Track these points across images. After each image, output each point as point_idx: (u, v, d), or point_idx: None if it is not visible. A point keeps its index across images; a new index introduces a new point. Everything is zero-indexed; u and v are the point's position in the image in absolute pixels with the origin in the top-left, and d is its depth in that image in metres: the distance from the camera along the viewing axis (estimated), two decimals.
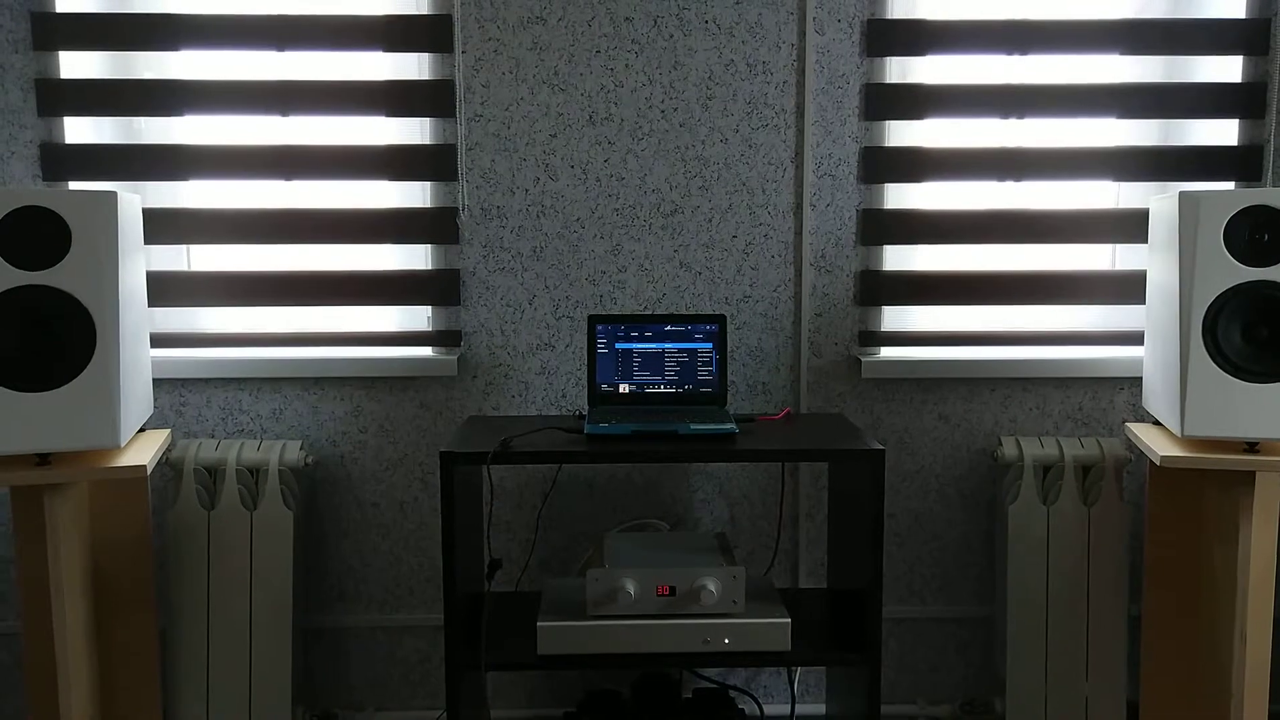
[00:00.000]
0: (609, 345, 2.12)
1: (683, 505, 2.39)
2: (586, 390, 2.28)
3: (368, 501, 2.37)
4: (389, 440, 2.36)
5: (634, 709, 2.18)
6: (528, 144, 2.29)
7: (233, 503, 2.20)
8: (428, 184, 2.33)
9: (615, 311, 2.34)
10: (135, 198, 1.99)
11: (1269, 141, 2.31)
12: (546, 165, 2.29)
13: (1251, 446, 1.90)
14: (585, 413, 2.11)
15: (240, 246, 2.36)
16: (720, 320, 2.12)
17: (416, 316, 2.39)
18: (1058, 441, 2.28)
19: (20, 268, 1.75)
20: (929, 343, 2.37)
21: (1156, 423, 2.15)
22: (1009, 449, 2.27)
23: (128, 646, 2.06)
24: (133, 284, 1.92)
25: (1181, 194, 1.86)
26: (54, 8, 2.23)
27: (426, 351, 2.37)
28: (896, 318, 2.41)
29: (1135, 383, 2.38)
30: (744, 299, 2.34)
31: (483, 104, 2.28)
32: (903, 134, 2.34)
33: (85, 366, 1.78)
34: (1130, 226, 2.34)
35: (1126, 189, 2.42)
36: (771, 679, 2.45)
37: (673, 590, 1.88)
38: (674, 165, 2.30)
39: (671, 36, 2.27)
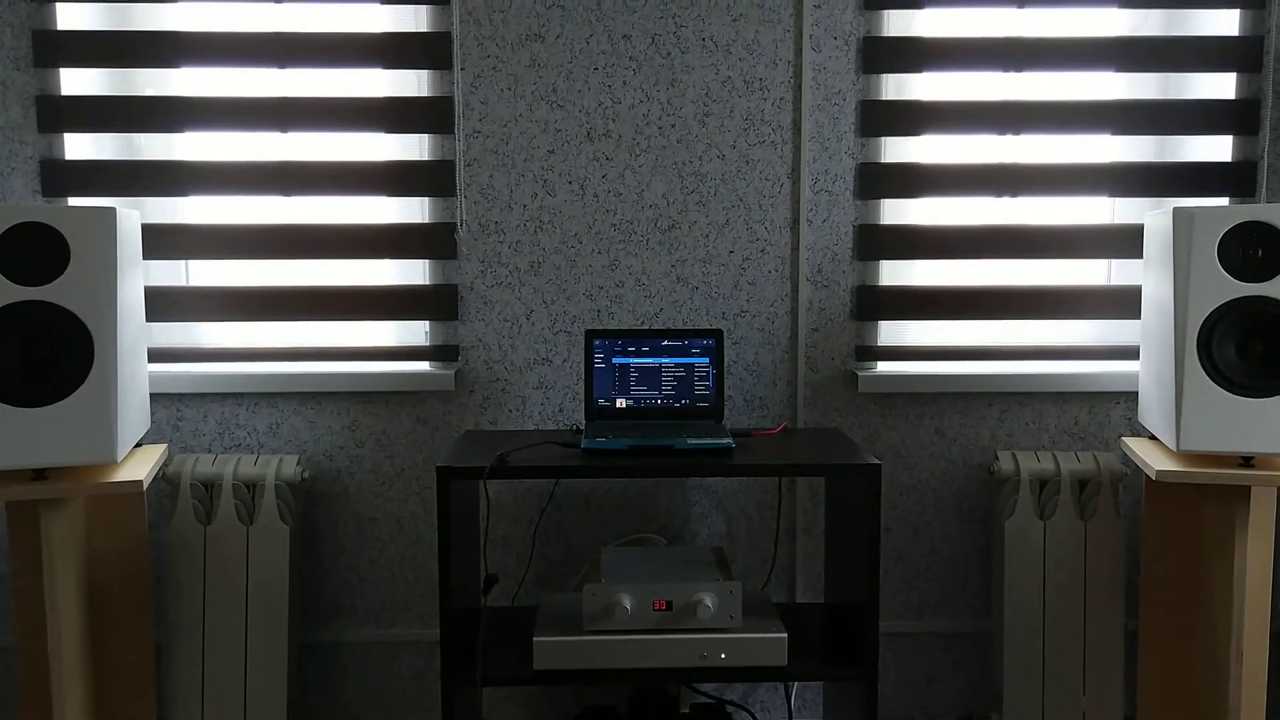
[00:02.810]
0: (606, 360, 2.12)
1: (679, 520, 2.39)
2: (584, 405, 2.28)
3: (364, 516, 2.37)
4: (386, 455, 2.36)
5: None
6: (526, 160, 2.30)
7: (229, 517, 2.20)
8: (426, 199, 2.34)
9: (613, 326, 2.34)
10: (134, 213, 1.99)
11: (1263, 158, 2.33)
12: (544, 181, 2.31)
13: (1246, 461, 1.90)
14: (582, 427, 2.12)
15: (239, 262, 2.37)
16: (717, 335, 2.13)
17: (414, 331, 2.40)
18: (1054, 456, 2.28)
19: (19, 283, 1.75)
20: (925, 357, 2.38)
21: (1152, 437, 2.15)
22: (1005, 463, 2.27)
23: (123, 661, 2.06)
24: (131, 299, 1.93)
25: (1176, 210, 1.87)
26: (55, 25, 2.24)
27: (424, 366, 2.37)
28: (893, 333, 2.42)
29: (1131, 397, 2.38)
30: (741, 314, 2.35)
31: (481, 120, 2.29)
32: (899, 150, 2.36)
33: (82, 382, 1.78)
34: (1125, 242, 2.35)
35: (1121, 205, 2.43)
36: (768, 694, 2.44)
37: (669, 605, 1.88)
38: (671, 181, 2.31)
39: (669, 54, 2.28)
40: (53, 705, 1.86)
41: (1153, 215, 2.03)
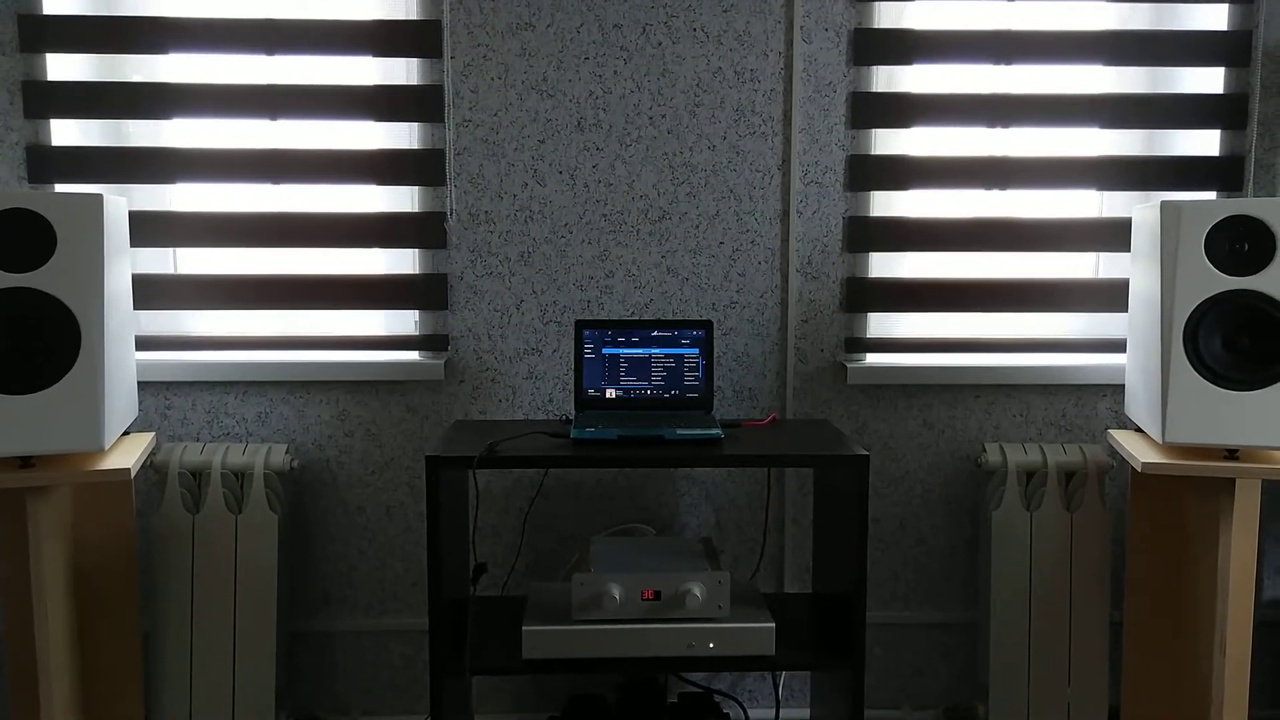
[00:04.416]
0: (596, 350, 2.12)
1: (669, 510, 2.40)
2: (573, 395, 2.28)
3: (353, 505, 2.37)
4: (375, 444, 2.36)
5: (619, 714, 2.18)
6: (516, 149, 2.29)
7: (218, 506, 2.20)
8: (416, 188, 2.33)
9: (603, 317, 2.34)
10: (121, 200, 1.98)
11: (1250, 152, 2.34)
12: (535, 171, 2.30)
13: (1231, 454, 1.92)
14: (572, 417, 2.12)
15: (227, 250, 2.36)
16: (707, 326, 2.13)
17: (404, 320, 2.39)
18: (1041, 448, 2.30)
19: (5, 270, 1.74)
20: (914, 349, 2.39)
21: (1138, 430, 2.16)
22: (993, 455, 2.29)
23: (110, 650, 2.05)
24: (118, 287, 1.92)
25: (1163, 204, 1.88)
26: (41, 10, 2.22)
27: (413, 355, 2.37)
28: (882, 324, 2.42)
29: (1118, 390, 2.40)
30: (731, 305, 2.35)
31: (471, 109, 2.28)
32: (889, 142, 2.36)
33: (69, 369, 1.77)
34: (1113, 235, 2.36)
35: (1109, 198, 2.44)
36: (756, 683, 2.46)
37: (658, 595, 1.89)
38: (662, 171, 2.31)
39: (660, 44, 2.28)
40: (39, 693, 1.85)
41: (1140, 209, 2.04)
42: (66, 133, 2.30)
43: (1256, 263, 1.84)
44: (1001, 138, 2.39)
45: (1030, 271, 2.43)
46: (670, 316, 2.35)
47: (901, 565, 2.43)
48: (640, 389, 2.13)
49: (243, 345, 2.33)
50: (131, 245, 2.26)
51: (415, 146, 2.31)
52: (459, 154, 2.29)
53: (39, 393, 1.76)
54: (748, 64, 2.29)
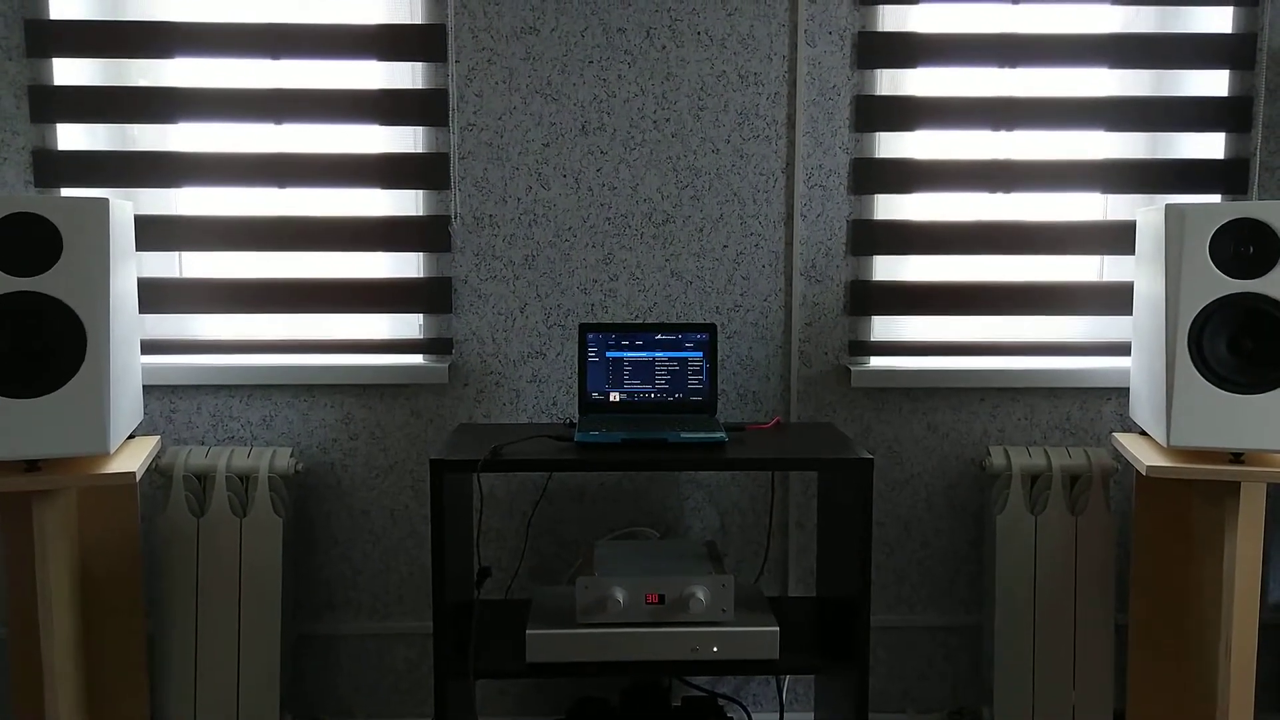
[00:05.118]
0: (600, 354, 2.13)
1: (673, 513, 2.40)
2: (577, 398, 2.29)
3: (358, 509, 2.38)
4: (379, 448, 2.36)
5: (623, 717, 2.18)
6: (520, 153, 2.30)
7: (222, 509, 2.20)
8: (420, 192, 2.34)
9: (606, 320, 2.35)
10: (127, 204, 1.99)
11: (1255, 155, 2.33)
12: (539, 174, 2.30)
13: (1236, 457, 1.91)
14: (576, 421, 2.12)
15: (232, 254, 2.36)
16: (711, 329, 2.13)
17: (408, 324, 2.40)
18: (1045, 451, 2.29)
19: (11, 274, 1.75)
20: (918, 353, 2.39)
21: (1143, 433, 2.16)
22: (997, 458, 2.28)
23: (116, 653, 2.06)
24: (124, 290, 1.92)
25: (1168, 207, 1.87)
26: (48, 15, 2.23)
27: (418, 359, 2.37)
28: (886, 328, 2.42)
29: (1122, 393, 2.39)
30: (735, 308, 2.35)
31: (475, 113, 2.29)
32: (893, 145, 2.36)
33: (75, 373, 1.78)
34: (1118, 238, 2.36)
35: (1114, 201, 2.44)
36: (760, 687, 2.45)
37: (662, 598, 1.89)
38: (665, 175, 2.31)
39: (664, 47, 2.28)
40: (45, 695, 1.86)
41: (1145, 212, 2.04)
42: (72, 137, 2.30)
43: (1261, 266, 1.84)
44: (1006, 141, 2.39)
45: (1034, 274, 2.42)
46: (674, 320, 2.35)
47: (906, 568, 2.43)
48: (644, 392, 2.13)
49: (247, 349, 2.34)
50: (137, 249, 2.27)
51: (420, 150, 2.32)
52: (463, 158, 2.30)
53: (44, 396, 1.77)
54: (751, 67, 2.29)
